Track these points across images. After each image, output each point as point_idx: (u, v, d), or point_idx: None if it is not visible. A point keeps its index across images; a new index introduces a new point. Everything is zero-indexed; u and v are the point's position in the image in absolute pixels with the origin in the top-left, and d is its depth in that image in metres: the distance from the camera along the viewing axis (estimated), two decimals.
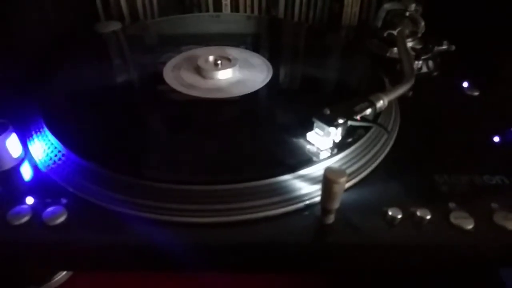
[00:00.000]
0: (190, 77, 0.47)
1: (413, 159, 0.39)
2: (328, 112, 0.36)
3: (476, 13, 0.60)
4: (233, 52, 0.51)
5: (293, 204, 0.33)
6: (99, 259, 0.35)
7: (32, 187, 0.35)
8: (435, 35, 0.57)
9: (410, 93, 0.45)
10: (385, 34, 0.56)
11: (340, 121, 0.35)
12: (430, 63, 0.55)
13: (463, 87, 0.50)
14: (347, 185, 0.35)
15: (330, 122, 0.35)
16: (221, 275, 0.55)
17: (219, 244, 0.32)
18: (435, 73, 0.55)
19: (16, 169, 0.37)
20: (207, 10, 0.71)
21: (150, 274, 0.55)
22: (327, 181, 0.29)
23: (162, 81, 0.47)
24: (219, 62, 0.48)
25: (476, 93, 0.49)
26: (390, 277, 0.56)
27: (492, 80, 0.51)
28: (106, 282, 0.55)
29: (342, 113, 0.36)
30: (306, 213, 0.33)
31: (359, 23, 0.72)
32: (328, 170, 0.29)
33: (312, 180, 0.34)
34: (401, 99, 0.43)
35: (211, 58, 0.49)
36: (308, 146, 0.37)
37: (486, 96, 0.48)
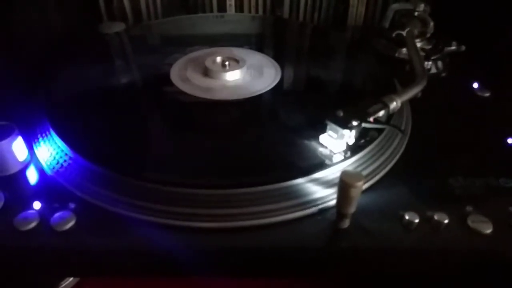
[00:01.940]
0: (198, 79, 0.46)
1: (426, 161, 0.39)
2: (341, 114, 0.35)
3: (482, 14, 0.59)
4: (240, 52, 0.50)
5: (306, 208, 0.33)
6: (108, 265, 0.34)
7: (39, 192, 0.35)
8: (443, 36, 0.56)
9: (420, 94, 0.45)
10: (394, 35, 0.55)
11: (354, 123, 0.35)
12: (439, 63, 0.55)
13: (473, 88, 0.50)
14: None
15: (344, 124, 0.34)
16: (228, 279, 0.54)
17: (232, 249, 0.32)
18: (444, 74, 0.54)
19: (22, 173, 0.36)
20: (211, 11, 0.70)
21: (160, 279, 0.54)
22: (344, 185, 0.28)
23: (169, 82, 0.46)
24: (227, 63, 0.47)
25: (487, 94, 0.48)
26: (391, 279, 0.55)
27: (502, 80, 0.51)
28: None
29: (356, 115, 0.35)
30: (319, 217, 0.33)
31: (364, 24, 0.71)
32: (344, 174, 0.28)
33: (326, 183, 0.34)
34: (410, 100, 0.42)
35: (218, 59, 0.48)
36: (321, 149, 0.36)
37: (498, 97, 0.48)
